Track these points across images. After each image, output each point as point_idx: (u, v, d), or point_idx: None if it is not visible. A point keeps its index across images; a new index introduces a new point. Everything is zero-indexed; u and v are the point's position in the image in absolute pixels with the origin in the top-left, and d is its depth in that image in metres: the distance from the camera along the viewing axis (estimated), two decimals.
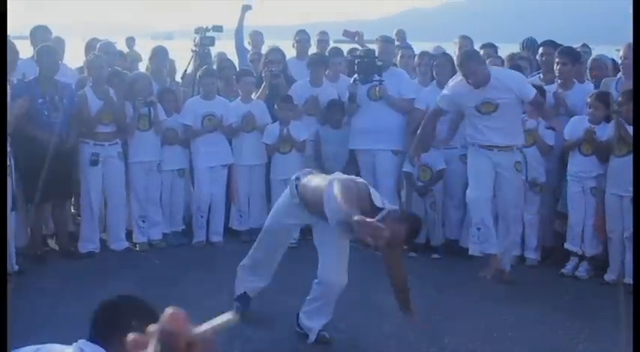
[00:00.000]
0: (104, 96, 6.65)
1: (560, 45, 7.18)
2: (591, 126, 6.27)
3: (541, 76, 7.15)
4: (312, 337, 4.90)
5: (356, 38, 8.41)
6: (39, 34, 7.43)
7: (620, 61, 6.57)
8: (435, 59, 7.22)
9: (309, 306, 4.90)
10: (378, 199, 4.38)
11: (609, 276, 6.15)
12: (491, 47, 7.95)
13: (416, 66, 7.67)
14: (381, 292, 5.32)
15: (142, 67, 8.19)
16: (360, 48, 8.06)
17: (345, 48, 8.41)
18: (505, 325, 5.33)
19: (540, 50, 7.25)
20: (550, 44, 7.27)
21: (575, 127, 6.41)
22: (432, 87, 7.06)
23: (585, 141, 6.30)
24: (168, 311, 0.83)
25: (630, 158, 5.88)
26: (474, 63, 6.04)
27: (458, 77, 6.20)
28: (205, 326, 0.84)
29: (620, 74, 6.59)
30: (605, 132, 6.24)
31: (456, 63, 6.43)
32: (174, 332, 0.81)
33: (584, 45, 7.78)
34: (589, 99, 6.34)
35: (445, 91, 6.23)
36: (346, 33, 8.42)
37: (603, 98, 6.30)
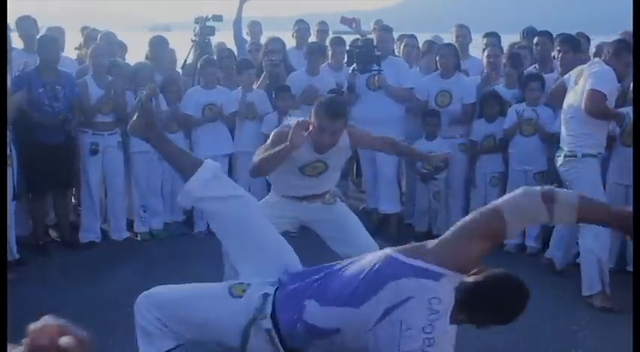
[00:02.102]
0: (105, 84, 6.66)
1: (557, 34, 7.18)
2: None
3: (536, 66, 7.15)
4: None
5: (353, 25, 8.38)
6: (24, 25, 7.11)
7: None
8: (439, 49, 7.19)
9: None
10: None
11: (610, 264, 6.16)
12: (493, 36, 7.95)
13: (423, 53, 7.66)
14: None
15: None
16: (359, 37, 8.04)
17: (346, 39, 8.41)
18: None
19: (535, 40, 7.24)
20: (545, 34, 7.27)
21: None
22: (434, 76, 7.07)
23: None
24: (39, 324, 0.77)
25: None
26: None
27: (603, 65, 5.56)
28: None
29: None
30: None
31: (620, 48, 5.61)
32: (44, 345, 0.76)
33: (580, 33, 7.73)
34: None
35: (608, 82, 5.50)
36: (343, 19, 8.40)
37: None
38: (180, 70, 8.08)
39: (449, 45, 7.38)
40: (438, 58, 7.04)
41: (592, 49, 7.22)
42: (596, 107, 5.46)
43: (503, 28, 8.42)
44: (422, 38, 8.47)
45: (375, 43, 7.16)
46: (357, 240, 4.57)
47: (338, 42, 7.80)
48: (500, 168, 6.94)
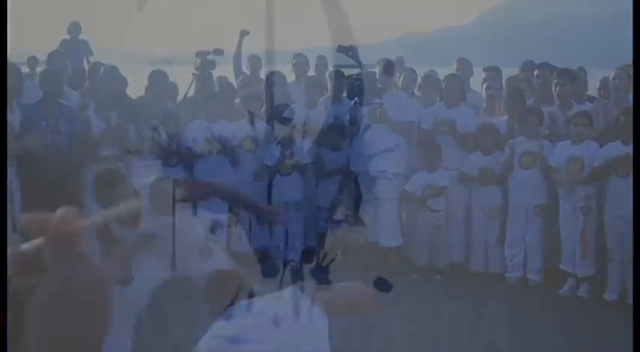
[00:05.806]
0: (107, 119, 6.69)
1: (555, 67, 7.25)
2: (574, 158, 6.29)
3: (535, 99, 7.20)
4: None
5: (350, 53, 8.41)
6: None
7: (611, 83, 6.53)
8: (445, 79, 7.28)
9: None
10: None
11: (610, 296, 6.14)
12: (493, 70, 8.00)
13: (420, 87, 7.73)
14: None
15: None
16: (359, 71, 8.08)
17: (346, 72, 8.47)
18: (506, 345, 5.32)
19: (536, 72, 7.30)
20: (545, 66, 7.34)
21: (561, 153, 6.42)
22: (437, 106, 7.14)
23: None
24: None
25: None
26: None
27: None
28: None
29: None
30: (589, 151, 6.25)
31: None
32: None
33: (580, 68, 7.81)
34: (572, 118, 6.35)
35: None
36: (340, 48, 8.43)
37: (587, 115, 6.33)
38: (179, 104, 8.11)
39: (454, 75, 7.47)
40: (443, 87, 7.12)
41: (596, 84, 7.26)
42: None
43: (499, 62, 8.47)
44: (421, 72, 8.54)
45: (377, 76, 7.22)
46: None
47: (338, 75, 7.84)
48: (498, 201, 6.91)
